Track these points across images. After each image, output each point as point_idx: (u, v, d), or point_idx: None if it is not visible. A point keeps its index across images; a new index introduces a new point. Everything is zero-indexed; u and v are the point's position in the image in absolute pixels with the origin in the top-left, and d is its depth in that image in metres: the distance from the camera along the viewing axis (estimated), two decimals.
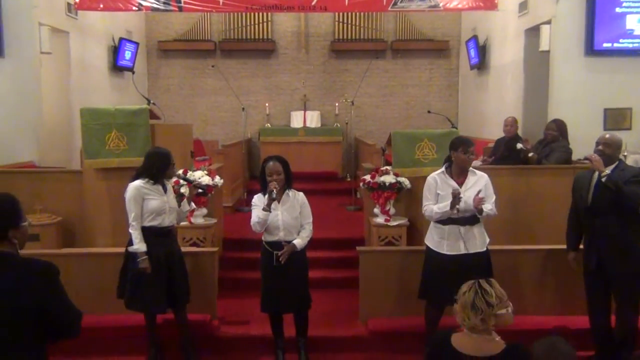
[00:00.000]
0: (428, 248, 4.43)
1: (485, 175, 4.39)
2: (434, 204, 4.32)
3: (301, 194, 4.51)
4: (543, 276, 5.01)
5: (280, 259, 4.29)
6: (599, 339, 4.28)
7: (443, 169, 4.37)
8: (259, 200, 4.41)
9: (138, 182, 4.33)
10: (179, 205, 4.54)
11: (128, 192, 4.33)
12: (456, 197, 4.11)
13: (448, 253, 4.27)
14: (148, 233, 4.31)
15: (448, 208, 4.16)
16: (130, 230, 4.31)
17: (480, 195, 4.17)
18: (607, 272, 4.13)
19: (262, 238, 4.46)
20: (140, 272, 4.24)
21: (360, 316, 5.05)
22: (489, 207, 4.26)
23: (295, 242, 4.36)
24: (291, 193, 4.43)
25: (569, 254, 4.49)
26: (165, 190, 4.43)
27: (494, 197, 4.36)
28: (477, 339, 2.53)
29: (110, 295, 4.77)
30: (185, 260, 4.56)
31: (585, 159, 4.34)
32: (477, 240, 4.29)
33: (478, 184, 4.28)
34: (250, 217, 4.43)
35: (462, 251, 4.24)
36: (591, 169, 4.23)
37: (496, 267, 4.41)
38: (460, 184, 4.27)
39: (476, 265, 4.20)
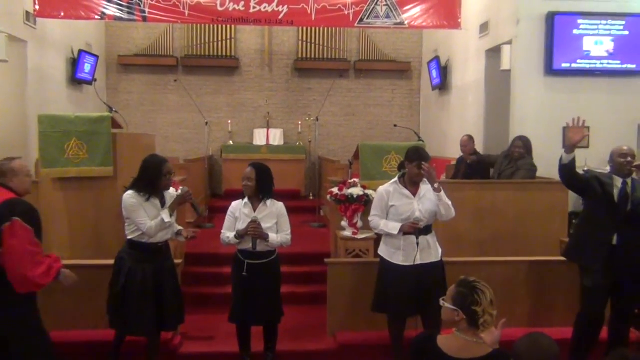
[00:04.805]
0: (382, 259, 4.36)
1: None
2: (381, 218, 4.30)
3: (280, 204, 4.38)
4: (514, 288, 5.01)
5: (249, 233, 4.14)
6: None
7: (397, 178, 4.34)
8: (237, 208, 4.30)
9: (131, 192, 4.04)
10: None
11: (123, 202, 4.04)
12: (416, 230, 4.13)
13: (403, 264, 4.21)
14: (135, 248, 4.03)
15: (396, 232, 4.17)
16: (149, 230, 3.98)
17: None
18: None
19: (237, 246, 4.31)
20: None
21: (329, 330, 4.95)
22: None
23: (270, 234, 4.20)
24: (269, 202, 4.30)
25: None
26: (163, 204, 4.15)
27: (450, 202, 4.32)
28: (466, 341, 2.47)
29: (66, 310, 4.60)
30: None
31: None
32: (431, 250, 4.27)
33: (431, 192, 4.24)
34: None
35: (418, 261, 4.19)
36: (609, 174, 4.31)
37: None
38: (414, 193, 4.26)
39: (432, 275, 4.20)
